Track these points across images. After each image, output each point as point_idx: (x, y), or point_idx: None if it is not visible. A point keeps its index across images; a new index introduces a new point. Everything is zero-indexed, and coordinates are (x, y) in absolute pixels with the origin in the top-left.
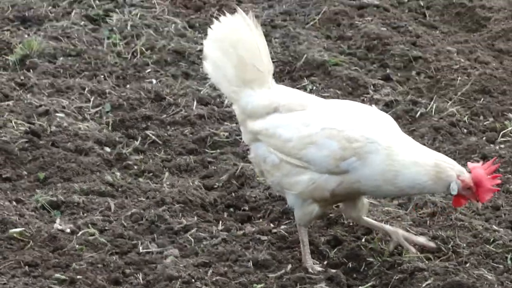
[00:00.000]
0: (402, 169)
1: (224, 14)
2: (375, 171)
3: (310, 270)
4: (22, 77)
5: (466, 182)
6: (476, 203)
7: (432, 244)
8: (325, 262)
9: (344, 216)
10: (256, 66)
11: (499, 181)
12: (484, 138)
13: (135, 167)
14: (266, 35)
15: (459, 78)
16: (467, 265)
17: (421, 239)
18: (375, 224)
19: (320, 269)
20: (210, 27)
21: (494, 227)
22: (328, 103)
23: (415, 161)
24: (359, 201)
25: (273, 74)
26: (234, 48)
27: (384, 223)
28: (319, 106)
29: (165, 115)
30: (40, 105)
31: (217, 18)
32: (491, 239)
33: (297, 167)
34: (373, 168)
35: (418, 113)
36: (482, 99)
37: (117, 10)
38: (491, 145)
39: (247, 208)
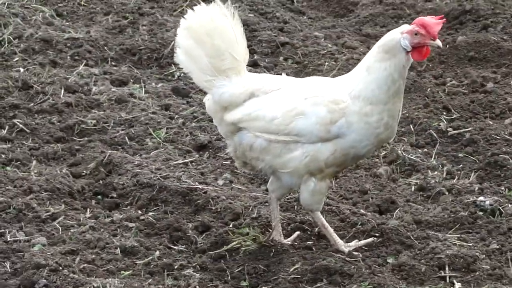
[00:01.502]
0: (378, 76)
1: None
2: (361, 123)
3: (346, 251)
4: None
5: (411, 30)
6: (433, 42)
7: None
8: (194, 248)
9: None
10: (233, 55)
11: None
12: None
13: (3, 156)
14: (133, 22)
15: (327, 63)
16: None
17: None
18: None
19: (356, 253)
20: (183, 17)
21: (362, 211)
22: (299, 79)
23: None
24: None
25: (141, 62)
26: (210, 37)
27: (252, 208)
28: (293, 83)
29: (32, 104)
30: None
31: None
32: (359, 223)
33: (287, 145)
34: (358, 122)
35: None
36: None
37: None
38: None
39: (115, 196)
